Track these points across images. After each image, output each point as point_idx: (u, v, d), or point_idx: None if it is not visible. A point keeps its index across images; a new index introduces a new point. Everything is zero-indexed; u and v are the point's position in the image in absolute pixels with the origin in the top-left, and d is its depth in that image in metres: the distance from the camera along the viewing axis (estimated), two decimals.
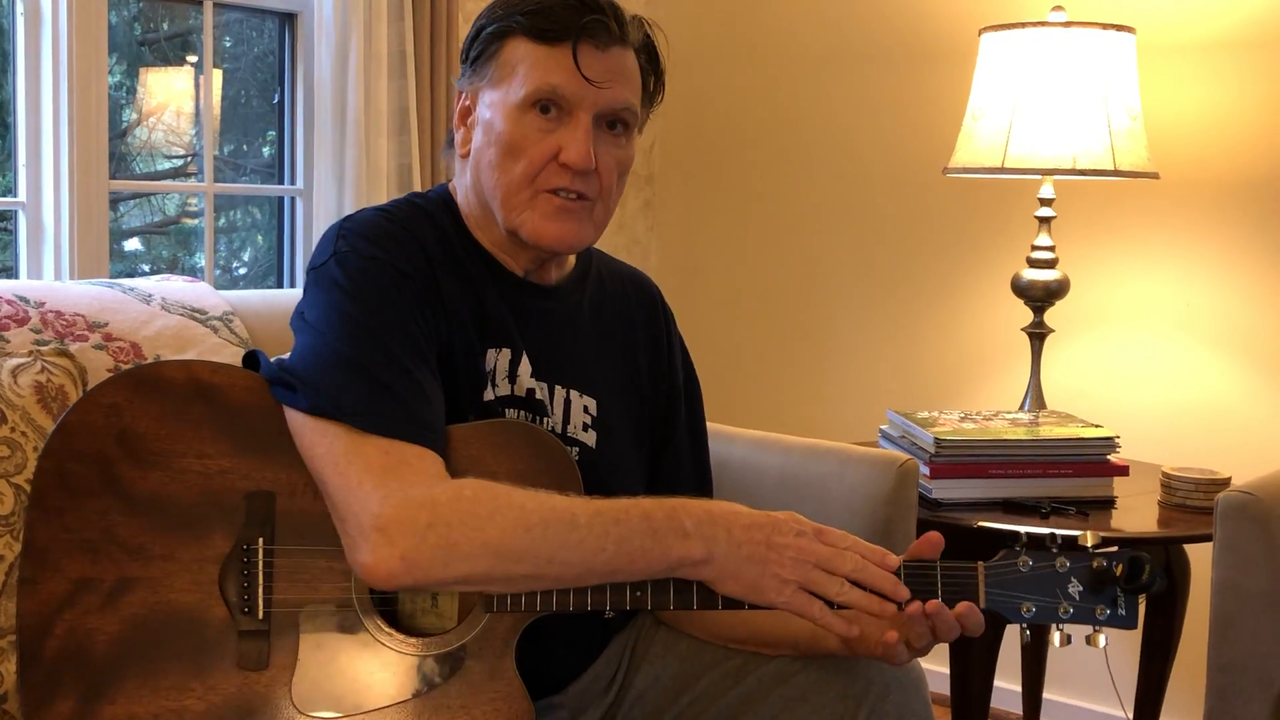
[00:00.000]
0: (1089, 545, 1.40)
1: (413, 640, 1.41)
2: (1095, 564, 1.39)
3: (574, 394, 1.59)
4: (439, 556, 1.29)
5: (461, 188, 1.59)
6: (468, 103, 1.56)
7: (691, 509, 1.35)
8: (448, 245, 1.54)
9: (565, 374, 1.59)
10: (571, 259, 1.66)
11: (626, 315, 1.69)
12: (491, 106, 1.51)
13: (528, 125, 1.49)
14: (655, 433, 1.68)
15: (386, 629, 1.41)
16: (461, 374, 1.50)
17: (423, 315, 1.45)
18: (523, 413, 1.54)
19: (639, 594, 1.37)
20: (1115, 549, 1.40)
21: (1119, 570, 1.38)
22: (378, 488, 1.31)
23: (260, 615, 1.40)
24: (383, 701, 1.39)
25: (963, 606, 1.37)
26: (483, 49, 1.53)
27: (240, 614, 1.40)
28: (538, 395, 1.54)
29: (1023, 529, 2.24)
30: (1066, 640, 1.39)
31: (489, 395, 1.51)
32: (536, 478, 1.41)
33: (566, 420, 1.58)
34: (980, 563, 1.40)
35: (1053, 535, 1.42)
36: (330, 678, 1.39)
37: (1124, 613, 1.39)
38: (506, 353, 1.54)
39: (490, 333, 1.53)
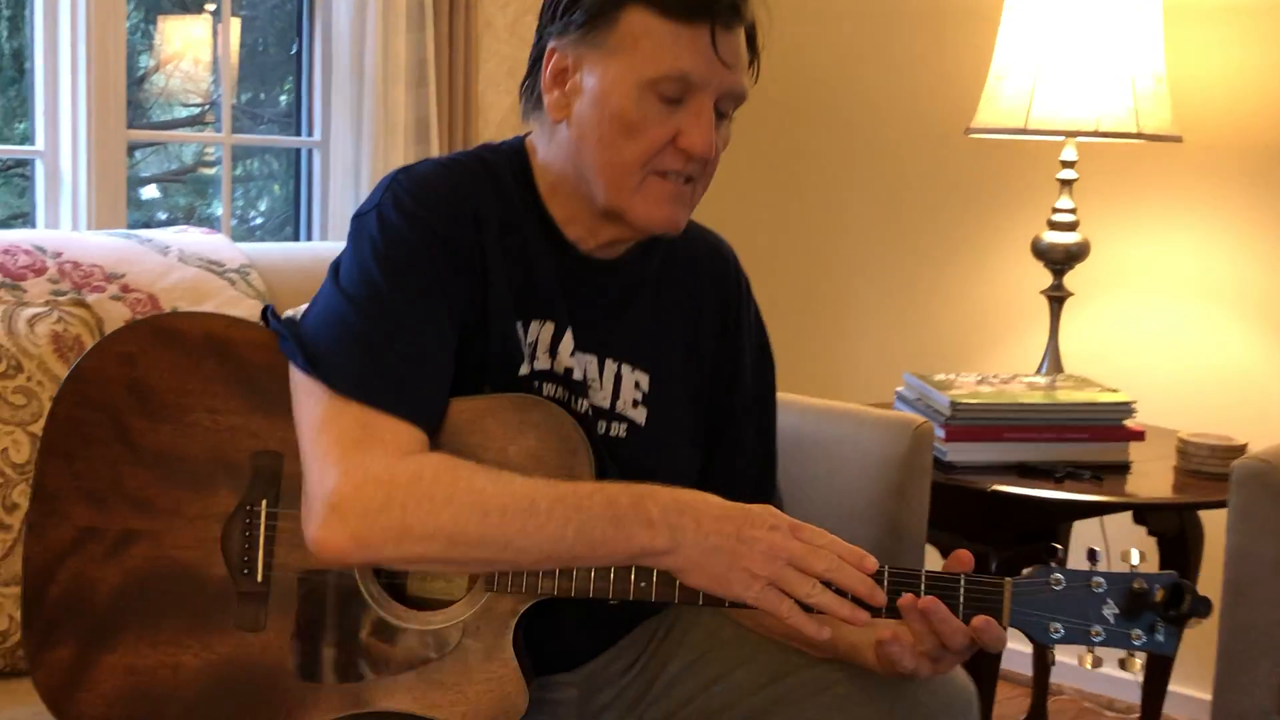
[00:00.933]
0: (1133, 564, 1.32)
1: (411, 613, 1.40)
2: (1135, 586, 1.30)
3: (625, 368, 1.53)
4: (390, 538, 1.27)
5: (545, 151, 1.50)
6: (565, 64, 1.44)
7: (660, 496, 1.31)
8: (508, 207, 1.47)
9: (616, 347, 1.53)
10: None
11: (694, 285, 1.61)
12: (605, 78, 1.41)
13: (648, 106, 1.40)
14: (716, 412, 1.61)
15: (386, 599, 1.40)
16: (495, 345, 1.45)
17: (453, 283, 1.41)
18: (559, 388, 1.49)
19: (643, 585, 1.34)
20: (1159, 572, 1.32)
21: (1159, 595, 1.30)
22: (340, 460, 1.29)
23: (259, 578, 1.40)
24: (378, 672, 1.39)
25: (979, 621, 1.30)
26: (595, 11, 1.41)
27: (240, 575, 1.40)
28: (575, 375, 1.49)
29: (1038, 493, 2.24)
30: (1097, 663, 1.33)
31: (524, 370, 1.47)
32: (547, 457, 1.39)
33: (616, 395, 1.52)
34: (1008, 578, 1.32)
35: (1091, 551, 1.34)
36: (326, 645, 1.39)
37: (1162, 639, 1.30)
38: (550, 326, 1.48)
39: (534, 304, 1.48)
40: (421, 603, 1.42)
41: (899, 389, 2.63)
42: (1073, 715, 3.17)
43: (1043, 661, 2.90)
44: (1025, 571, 1.33)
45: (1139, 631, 1.30)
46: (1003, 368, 3.17)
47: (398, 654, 1.39)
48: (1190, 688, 3.02)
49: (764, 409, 1.66)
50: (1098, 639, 1.31)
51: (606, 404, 1.52)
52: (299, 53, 3.15)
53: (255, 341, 1.43)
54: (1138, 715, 2.78)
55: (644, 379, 1.54)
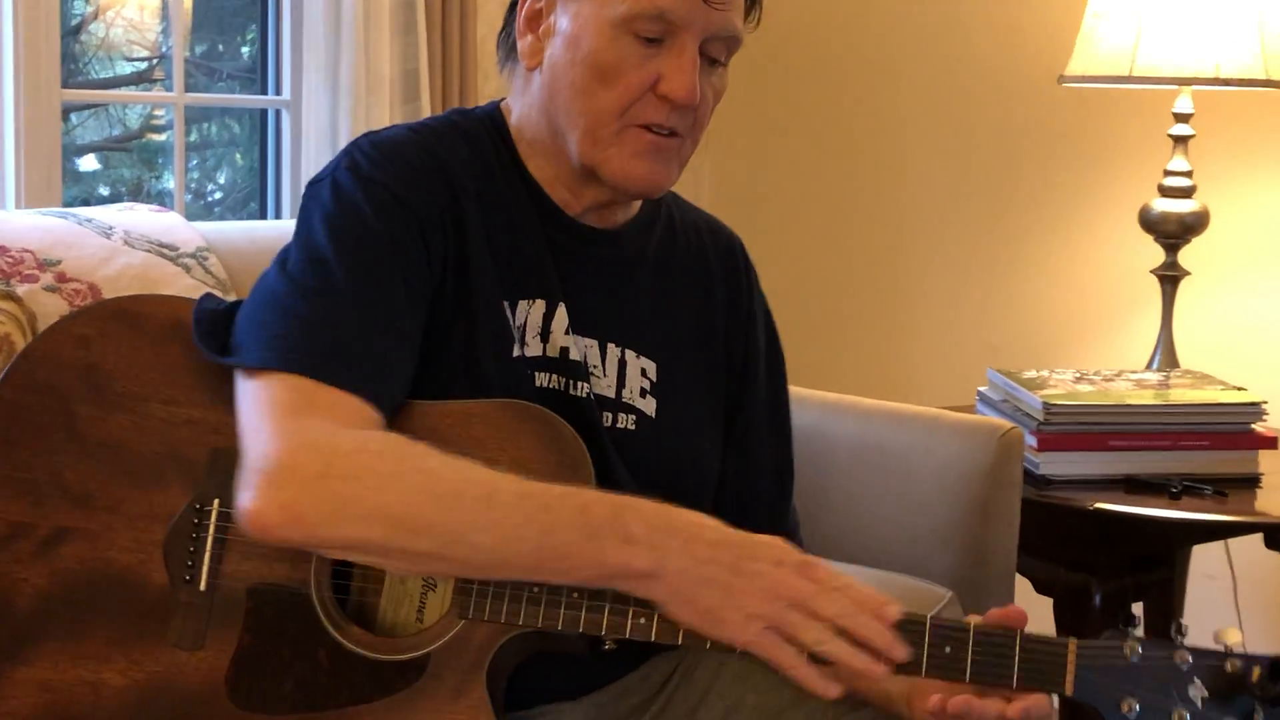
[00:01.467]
0: (1228, 644, 1.30)
1: (373, 639, 1.41)
2: (1229, 665, 1.28)
3: (630, 354, 1.57)
4: (325, 513, 1.30)
5: (520, 107, 1.57)
6: (539, 5, 1.53)
7: (645, 511, 1.32)
8: (486, 176, 1.53)
9: (620, 331, 1.57)
10: (636, 202, 1.64)
11: (701, 269, 1.67)
12: (579, 18, 1.48)
13: (625, 47, 1.46)
14: (731, 401, 1.66)
15: (346, 622, 1.42)
16: (483, 327, 1.49)
17: (418, 256, 1.45)
18: (554, 376, 1.52)
19: (641, 621, 1.34)
20: (1259, 653, 1.29)
21: (1256, 676, 1.27)
22: (277, 426, 1.33)
23: (202, 587, 1.42)
24: (327, 707, 1.40)
25: (1016, 711, 1.31)
26: None
27: (181, 583, 1.42)
28: (573, 355, 1.53)
29: (1149, 511, 2.24)
30: None
31: (516, 352, 1.51)
32: (542, 469, 1.40)
33: (621, 384, 1.57)
34: (1073, 640, 1.31)
35: (1178, 624, 1.32)
36: (272, 670, 1.41)
37: None
38: (540, 305, 1.53)
39: (521, 281, 1.52)
40: (386, 630, 1.44)
41: (981, 389, 2.62)
42: None
43: None
44: (1098, 637, 1.32)
45: (1232, 719, 1.28)
46: (1105, 363, 3.16)
47: (353, 686, 1.40)
48: None
49: (780, 411, 1.71)
50: None
51: (612, 393, 1.55)
52: None
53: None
54: None
55: (651, 367, 1.58)
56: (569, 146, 1.51)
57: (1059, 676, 1.31)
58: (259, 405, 1.36)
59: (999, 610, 1.36)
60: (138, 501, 1.44)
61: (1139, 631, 1.32)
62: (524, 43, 1.54)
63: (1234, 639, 1.30)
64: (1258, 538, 2.54)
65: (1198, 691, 1.28)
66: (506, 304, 1.51)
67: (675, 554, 1.30)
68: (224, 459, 1.43)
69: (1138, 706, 1.29)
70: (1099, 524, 2.25)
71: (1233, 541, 2.73)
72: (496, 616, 1.38)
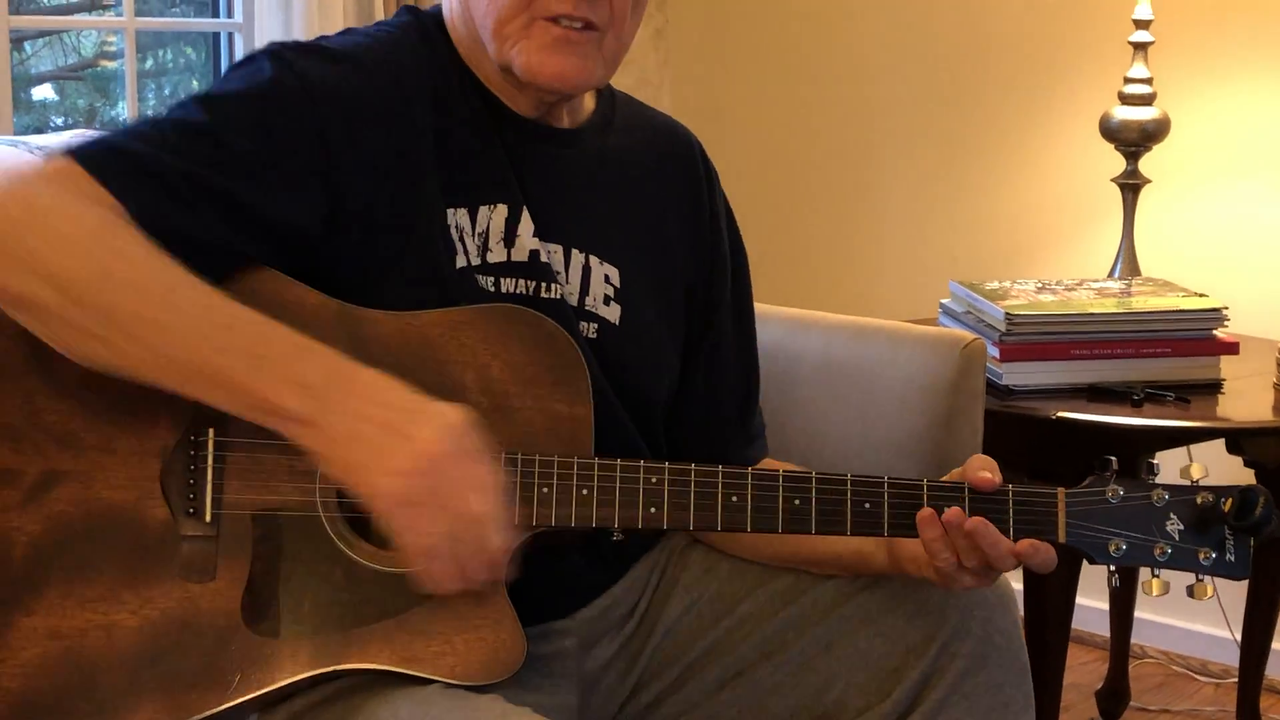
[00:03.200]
0: (1196, 479, 1.39)
1: (386, 554, 1.41)
2: (1200, 499, 1.38)
3: (593, 260, 1.57)
4: (4, 258, 1.30)
5: (449, 11, 1.56)
6: None
7: (326, 361, 1.32)
8: (442, 79, 1.52)
9: (582, 236, 1.57)
10: (590, 102, 1.64)
11: (656, 172, 1.66)
12: None
13: None
14: (693, 314, 1.67)
15: (356, 538, 1.42)
16: (431, 234, 1.47)
17: (304, 151, 1.42)
18: (522, 281, 1.52)
19: (653, 510, 1.38)
20: (1226, 485, 1.39)
21: (1228, 506, 1.37)
22: (14, 179, 1.33)
23: (207, 518, 1.40)
24: (349, 624, 1.40)
25: (1024, 546, 1.38)
26: None
27: (184, 516, 1.40)
28: (543, 258, 1.53)
29: (1112, 419, 2.24)
30: (1165, 589, 1.39)
31: (475, 260, 1.49)
32: (536, 374, 1.42)
33: (585, 291, 1.56)
34: (1061, 489, 1.39)
35: (1149, 464, 1.41)
36: (288, 594, 1.40)
37: (1233, 558, 1.38)
38: (502, 209, 1.52)
39: (479, 186, 1.51)
40: (393, 545, 1.42)
41: (944, 301, 2.62)
42: (1159, 682, 3.19)
43: (1123, 620, 2.91)
44: (1081, 483, 1.40)
45: (1208, 550, 1.38)
46: (1067, 272, 3.16)
47: (371, 602, 1.40)
48: None
49: (744, 313, 1.72)
50: (1163, 558, 1.38)
51: (575, 300, 1.55)
52: None
53: None
54: (1235, 680, 2.79)
55: (614, 273, 1.58)
56: (488, 48, 1.50)
57: (1052, 525, 1.39)
58: (18, 167, 1.35)
59: (974, 463, 1.42)
60: (127, 438, 1.41)
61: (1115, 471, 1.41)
62: None
63: (1199, 473, 1.40)
64: (1220, 443, 2.54)
65: (1175, 526, 1.38)
66: (466, 210, 1.50)
67: (337, 407, 1.31)
68: None
69: (1124, 546, 1.39)
70: (1062, 433, 2.26)
71: (1195, 447, 2.74)
72: (511, 521, 1.38)
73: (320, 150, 1.43)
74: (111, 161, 1.36)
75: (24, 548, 1.40)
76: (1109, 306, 2.41)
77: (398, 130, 1.47)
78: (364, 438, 1.31)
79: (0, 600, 1.39)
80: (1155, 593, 1.39)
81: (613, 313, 1.58)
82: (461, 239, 1.50)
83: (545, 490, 1.40)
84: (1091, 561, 1.40)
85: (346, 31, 1.57)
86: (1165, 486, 1.38)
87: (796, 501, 1.42)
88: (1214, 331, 2.42)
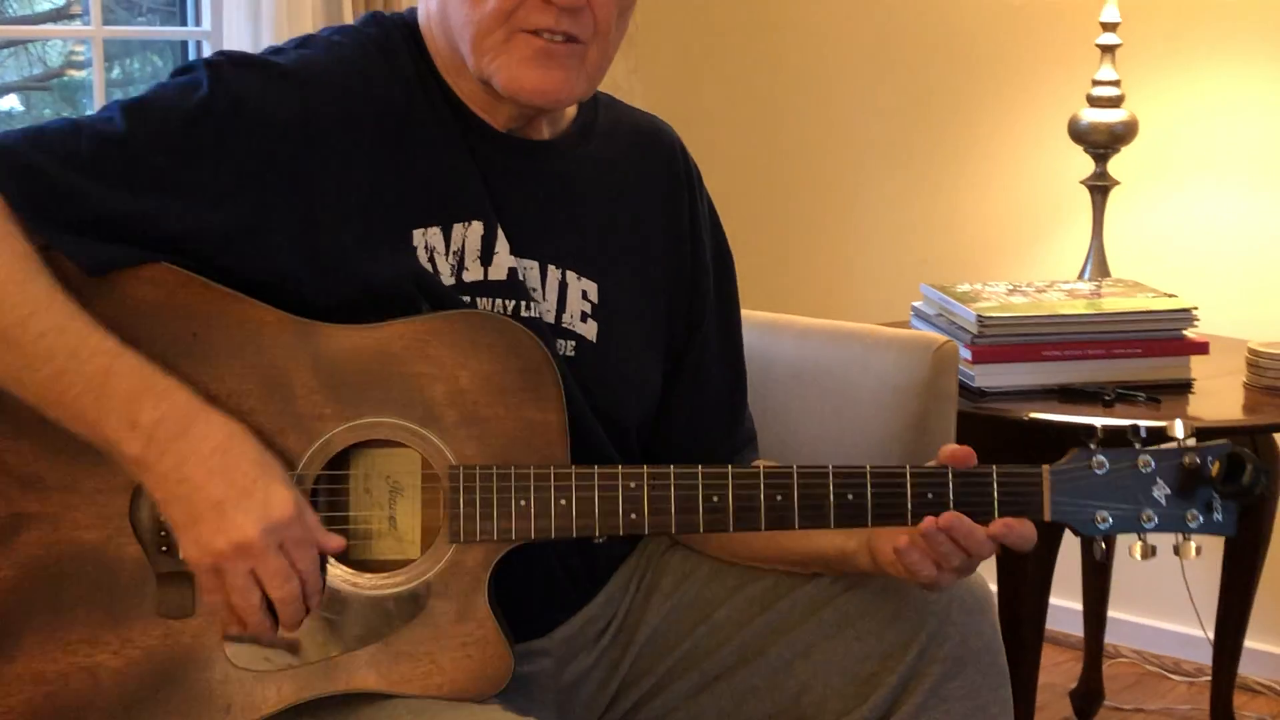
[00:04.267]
0: (1179, 438, 1.40)
1: (365, 576, 1.40)
2: (1186, 461, 1.38)
3: (570, 276, 1.55)
4: None
5: (426, 21, 1.53)
6: None
7: (169, 405, 1.33)
8: (406, 94, 1.49)
9: (559, 251, 1.54)
10: (570, 110, 1.61)
11: (638, 175, 1.64)
12: None
13: None
14: (677, 320, 1.65)
15: (333, 562, 1.40)
16: (384, 261, 1.45)
17: (255, 173, 1.41)
18: (500, 301, 1.50)
19: (633, 516, 1.37)
20: (1211, 443, 1.40)
21: (1215, 469, 1.37)
22: None
23: (180, 554, 1.38)
24: (332, 650, 1.39)
25: (997, 526, 1.38)
26: None
27: (157, 553, 1.40)
28: (520, 276, 1.51)
29: (1087, 420, 2.24)
30: (1150, 552, 1.39)
31: (450, 279, 1.48)
32: (506, 381, 1.40)
33: (561, 308, 1.54)
34: (1045, 466, 1.39)
35: (1134, 427, 1.40)
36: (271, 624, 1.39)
37: (1220, 518, 1.38)
38: (477, 227, 1.49)
39: (453, 204, 1.49)
40: (372, 567, 1.42)
41: (916, 304, 2.62)
42: (1133, 680, 3.20)
43: (1097, 620, 2.92)
44: (1063, 458, 1.40)
45: (1195, 512, 1.39)
46: (1037, 274, 3.17)
47: (355, 625, 1.39)
48: (1270, 643, 3.04)
49: (729, 317, 1.71)
50: (1150, 524, 1.39)
51: (551, 318, 1.53)
52: None
53: (147, 277, 1.41)
54: (1209, 678, 2.80)
55: (592, 288, 1.56)
56: (466, 61, 1.47)
57: (1037, 504, 1.40)
58: None
59: (948, 448, 1.42)
60: (91, 476, 1.39)
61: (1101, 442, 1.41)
62: None
63: (1180, 433, 1.40)
64: (1190, 441, 2.55)
65: (1161, 491, 1.39)
66: (439, 228, 1.48)
67: (169, 458, 1.32)
68: None
69: (1110, 517, 1.40)
70: (1034, 434, 2.26)
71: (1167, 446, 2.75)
72: (489, 536, 1.38)
73: (244, 171, 1.41)
74: (16, 170, 1.36)
75: None
76: (1079, 308, 2.42)
77: (344, 151, 1.44)
78: (184, 500, 1.32)
79: None
80: (1139, 556, 1.39)
81: (590, 330, 1.56)
82: (433, 259, 1.47)
83: (523, 503, 1.39)
84: (1078, 535, 1.40)
85: (305, 39, 1.53)
86: (1151, 452, 1.39)
87: (778, 498, 1.41)
88: (1184, 332, 2.43)
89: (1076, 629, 3.11)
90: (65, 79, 3.32)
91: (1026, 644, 2.39)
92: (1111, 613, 3.05)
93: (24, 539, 1.39)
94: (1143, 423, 1.43)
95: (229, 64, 1.45)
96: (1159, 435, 1.42)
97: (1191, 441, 1.40)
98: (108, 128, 1.40)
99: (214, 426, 1.34)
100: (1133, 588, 3.18)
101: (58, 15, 3.22)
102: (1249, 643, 2.74)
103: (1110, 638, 3.14)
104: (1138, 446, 1.39)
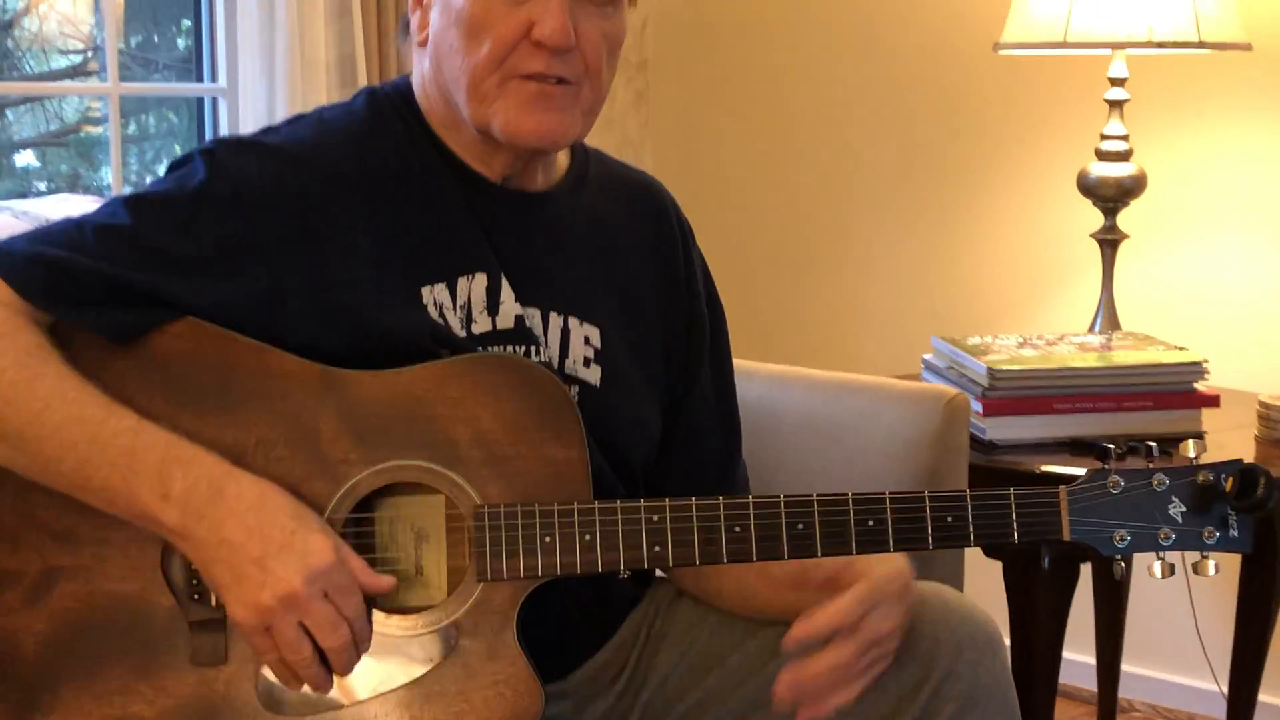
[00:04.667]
0: (1191, 456, 1.42)
1: (395, 619, 1.41)
2: (1200, 479, 1.40)
3: (573, 321, 1.57)
4: None
5: (419, 81, 1.57)
6: None
7: (197, 472, 1.35)
8: (401, 157, 1.53)
9: (560, 297, 1.57)
10: (563, 161, 1.64)
11: (630, 231, 1.66)
12: None
13: (493, 0, 1.46)
14: (671, 372, 1.67)
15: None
16: (391, 320, 1.47)
17: (258, 250, 1.44)
18: (511, 348, 1.52)
19: (658, 549, 1.39)
20: (1224, 460, 1.42)
21: (1229, 485, 1.39)
22: None
23: (213, 602, 1.40)
24: (365, 693, 1.40)
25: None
26: None
27: (189, 601, 1.40)
28: (527, 324, 1.53)
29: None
30: (1169, 570, 1.41)
31: (461, 332, 1.50)
32: (528, 423, 1.42)
33: (565, 353, 1.57)
34: (1062, 487, 1.41)
35: (1148, 446, 1.44)
36: None
37: (1236, 534, 1.40)
38: (481, 278, 1.52)
39: (455, 258, 1.51)
40: (401, 610, 1.43)
41: (926, 356, 2.62)
42: None
43: (1110, 674, 2.91)
44: (1079, 479, 1.42)
45: (1211, 528, 1.40)
46: (1048, 327, 3.17)
47: (388, 668, 1.40)
48: None
49: (723, 366, 1.72)
50: (1167, 542, 1.41)
51: (555, 364, 1.55)
52: None
53: (170, 330, 1.44)
54: None
55: (595, 333, 1.58)
56: (463, 112, 1.50)
57: (1056, 524, 1.42)
58: None
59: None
60: (123, 528, 1.40)
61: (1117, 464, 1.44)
62: (414, 19, 1.55)
63: (1195, 450, 1.42)
64: None
65: (1177, 508, 1.41)
66: (444, 284, 1.50)
67: (206, 523, 1.34)
68: None
69: (1128, 535, 1.42)
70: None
71: None
72: (516, 573, 1.40)
73: (250, 247, 1.44)
74: (20, 263, 1.40)
75: (33, 648, 1.40)
76: (1090, 361, 2.42)
77: (345, 217, 1.48)
78: (225, 561, 1.34)
79: (17, 704, 1.39)
80: (1159, 575, 1.41)
81: (593, 374, 1.58)
82: (443, 314, 1.50)
83: (548, 540, 1.40)
84: (1098, 556, 1.42)
85: (295, 119, 1.58)
86: (1165, 470, 1.40)
87: (800, 525, 1.42)
88: (1195, 385, 2.43)
89: (1090, 683, 3.09)
90: (82, 135, 3.34)
91: (1040, 697, 2.37)
92: (1125, 666, 3.04)
93: (58, 592, 1.40)
94: (1153, 440, 1.45)
95: (223, 149, 1.49)
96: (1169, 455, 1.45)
97: (1204, 459, 1.42)
98: (111, 219, 1.44)
99: (245, 486, 1.36)
100: (1146, 641, 3.16)
101: (75, 72, 3.24)
102: (1263, 696, 2.72)
103: (1124, 692, 3.12)
104: (1151, 465, 1.41)
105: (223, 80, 3.08)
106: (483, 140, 1.52)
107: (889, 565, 1.44)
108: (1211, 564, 1.40)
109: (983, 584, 1.42)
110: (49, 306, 1.40)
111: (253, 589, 1.32)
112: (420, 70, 1.56)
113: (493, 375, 1.44)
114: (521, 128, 1.48)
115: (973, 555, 2.08)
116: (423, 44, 1.54)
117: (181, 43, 3.27)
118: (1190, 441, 1.42)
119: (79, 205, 2.22)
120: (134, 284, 1.41)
